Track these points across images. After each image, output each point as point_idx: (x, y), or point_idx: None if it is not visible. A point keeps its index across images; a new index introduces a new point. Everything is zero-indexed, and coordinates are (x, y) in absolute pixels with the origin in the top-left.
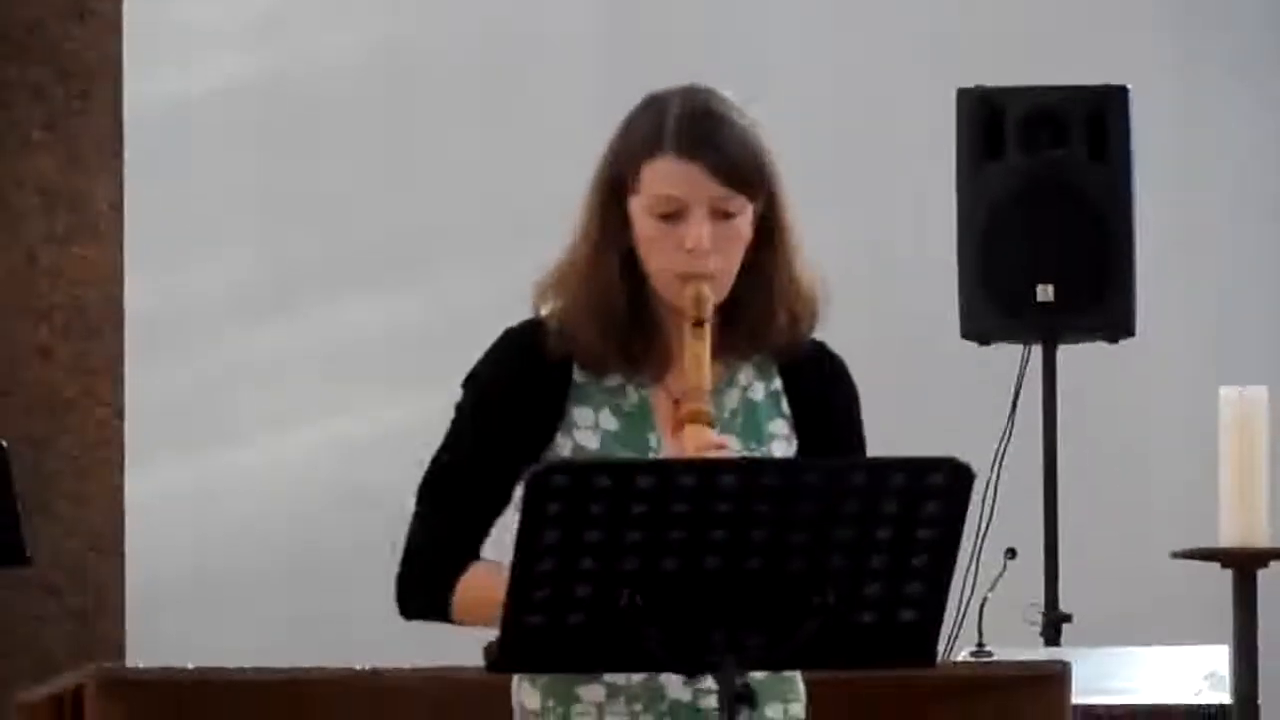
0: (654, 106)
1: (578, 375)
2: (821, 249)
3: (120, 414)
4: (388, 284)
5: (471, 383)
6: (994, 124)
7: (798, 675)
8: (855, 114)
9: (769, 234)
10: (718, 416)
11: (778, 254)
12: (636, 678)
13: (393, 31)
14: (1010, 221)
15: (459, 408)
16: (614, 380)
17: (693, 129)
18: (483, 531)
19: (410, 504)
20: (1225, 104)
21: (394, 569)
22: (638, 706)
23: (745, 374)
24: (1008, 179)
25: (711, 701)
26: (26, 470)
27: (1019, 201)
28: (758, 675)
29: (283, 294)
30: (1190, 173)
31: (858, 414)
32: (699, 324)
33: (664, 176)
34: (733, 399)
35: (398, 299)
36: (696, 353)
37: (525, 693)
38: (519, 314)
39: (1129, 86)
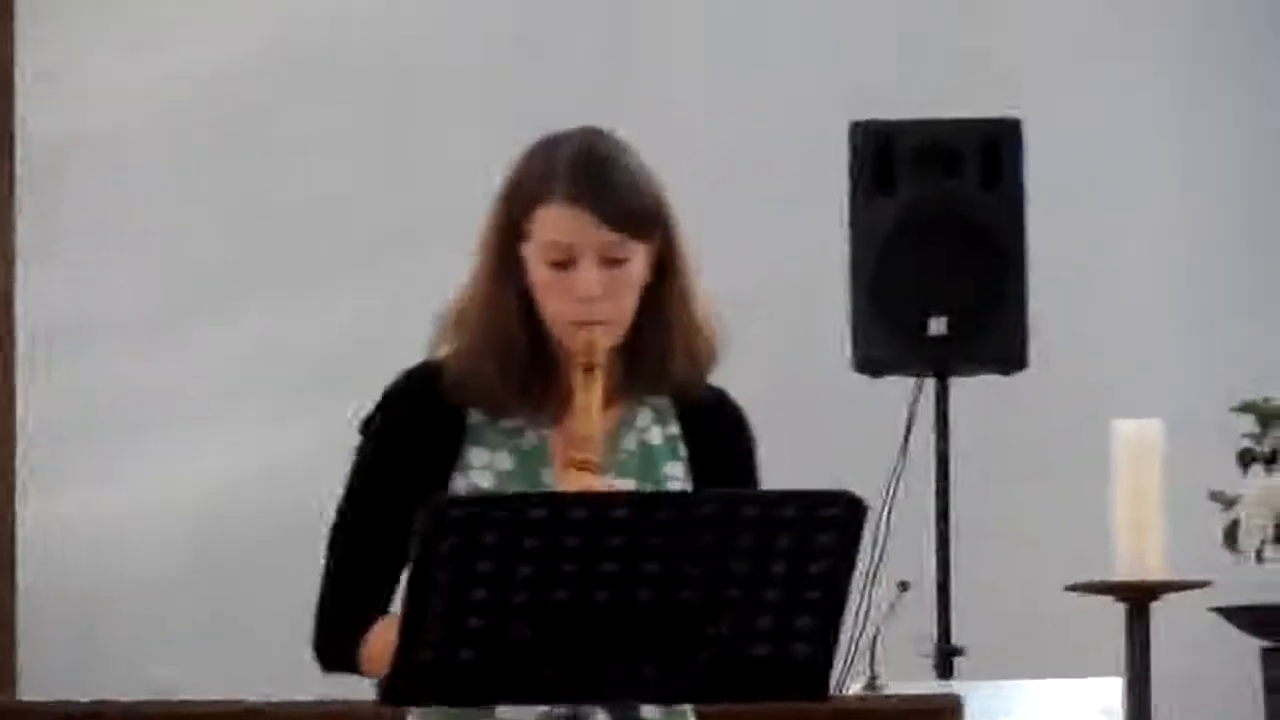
0: (544, 150)
1: (473, 417)
2: (713, 281)
3: (11, 440)
4: (298, 297)
5: (367, 428)
6: (886, 156)
7: (689, 709)
8: (747, 145)
9: (665, 273)
10: (613, 459)
11: (674, 293)
12: (532, 712)
13: (296, 32)
14: (902, 253)
15: (356, 455)
16: (512, 422)
17: (581, 175)
18: (390, 580)
19: (313, 529)
20: (1121, 132)
21: (298, 596)
22: None
23: (643, 417)
24: (899, 210)
25: None
26: None
27: (911, 233)
28: (649, 711)
29: (184, 309)
30: (1083, 203)
31: (755, 462)
32: (589, 370)
33: (553, 223)
34: (630, 441)
35: (308, 312)
36: (585, 401)
37: None
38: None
39: (1021, 119)
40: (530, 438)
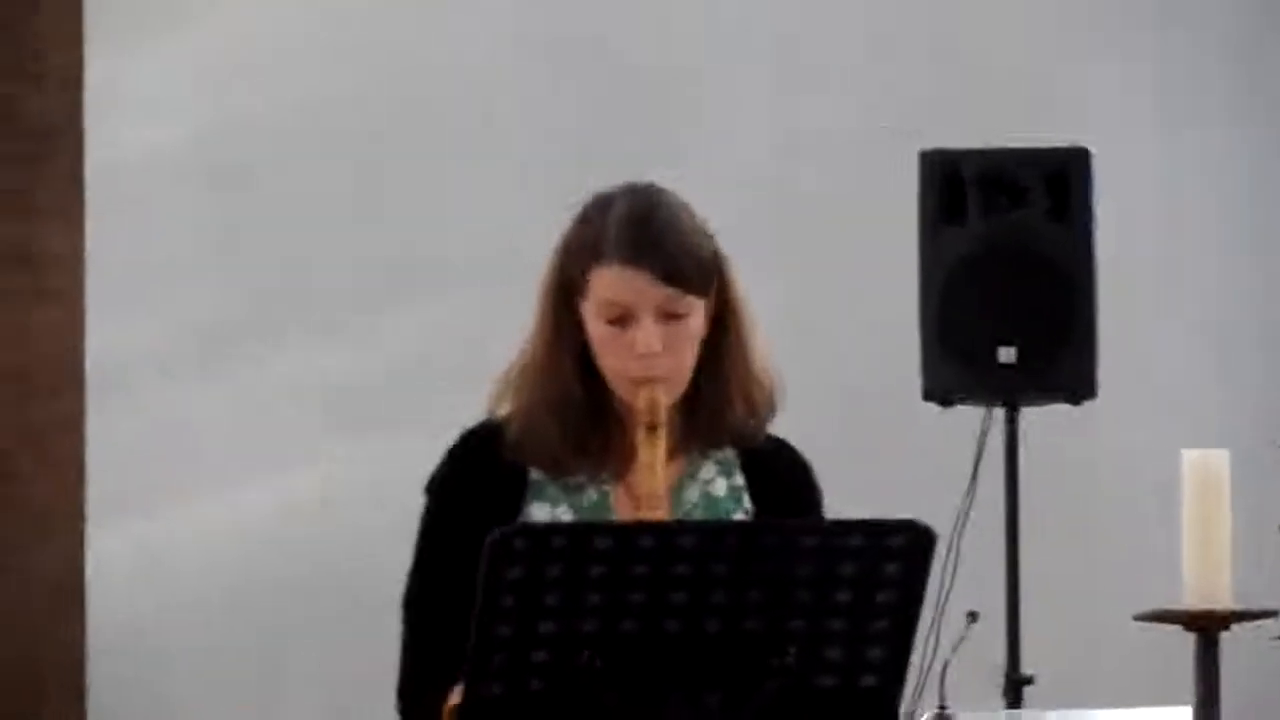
0: (597, 209)
1: (534, 474)
2: (783, 311)
3: (81, 475)
4: (353, 335)
5: (431, 490)
6: (954, 185)
7: None
8: (815, 175)
9: (722, 325)
10: (677, 512)
11: (732, 344)
12: None
13: (358, 75)
14: (971, 283)
15: (425, 513)
16: (574, 479)
17: (636, 234)
18: (467, 640)
19: (373, 559)
20: (1192, 163)
21: (358, 632)
22: None
23: (707, 470)
24: (968, 240)
25: None
26: None
27: (980, 263)
28: None
29: (244, 342)
30: (1153, 234)
31: (821, 513)
32: (652, 428)
33: (609, 283)
34: (693, 493)
35: (364, 349)
36: (650, 459)
37: None
38: (489, 358)
39: (1091, 149)
40: (591, 494)
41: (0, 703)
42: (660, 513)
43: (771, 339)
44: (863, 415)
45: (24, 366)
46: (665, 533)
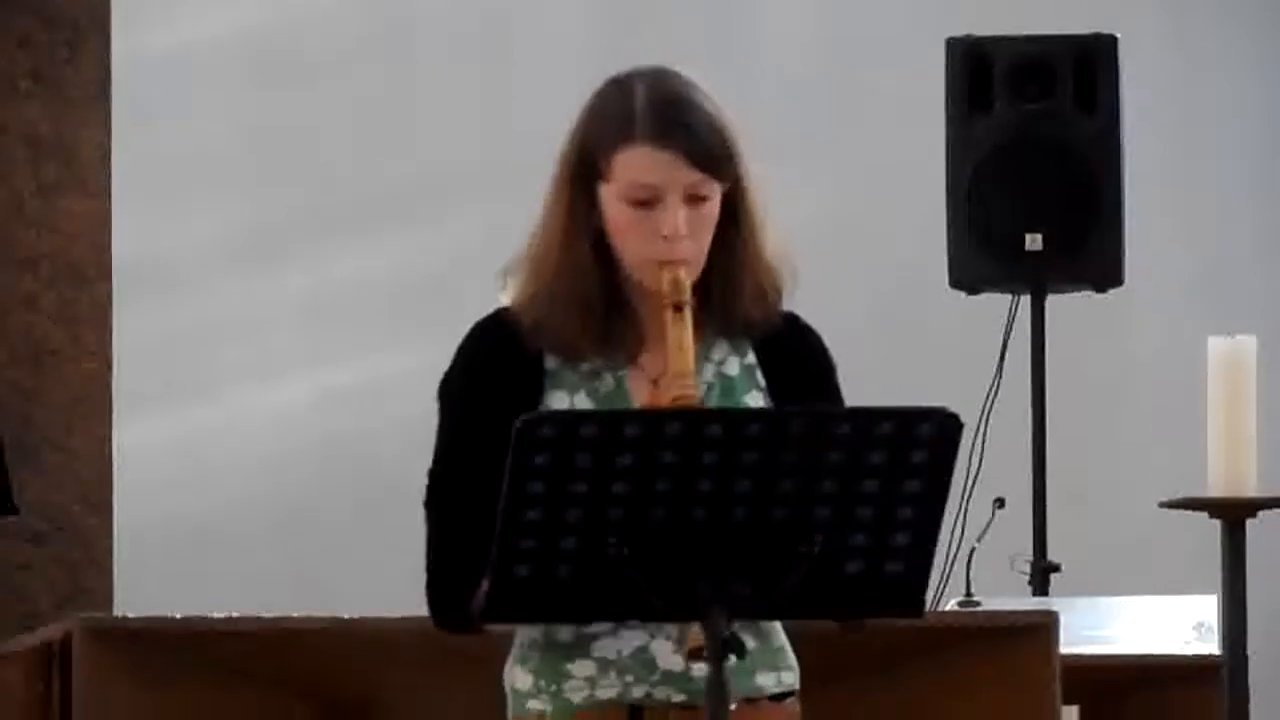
0: (619, 93)
1: (550, 362)
2: (809, 200)
3: (109, 364)
4: (380, 233)
5: (447, 385)
6: (982, 74)
7: (787, 645)
8: (843, 64)
9: (735, 212)
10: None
11: (744, 231)
12: (626, 649)
13: None
14: (999, 171)
15: (442, 412)
16: (588, 365)
17: (665, 116)
18: (493, 532)
19: (399, 452)
20: (1217, 51)
21: (385, 520)
22: (629, 678)
23: (720, 350)
24: (996, 129)
25: (703, 670)
26: (12, 421)
27: (1007, 151)
28: (750, 645)
29: (272, 243)
30: (1179, 121)
31: (833, 379)
32: (678, 308)
33: (638, 165)
34: (708, 374)
35: (390, 248)
36: (678, 337)
37: (516, 676)
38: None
39: (1118, 35)
40: (608, 380)
41: (32, 588)
42: (691, 390)
43: (799, 229)
44: (890, 303)
45: (56, 254)
46: (693, 421)
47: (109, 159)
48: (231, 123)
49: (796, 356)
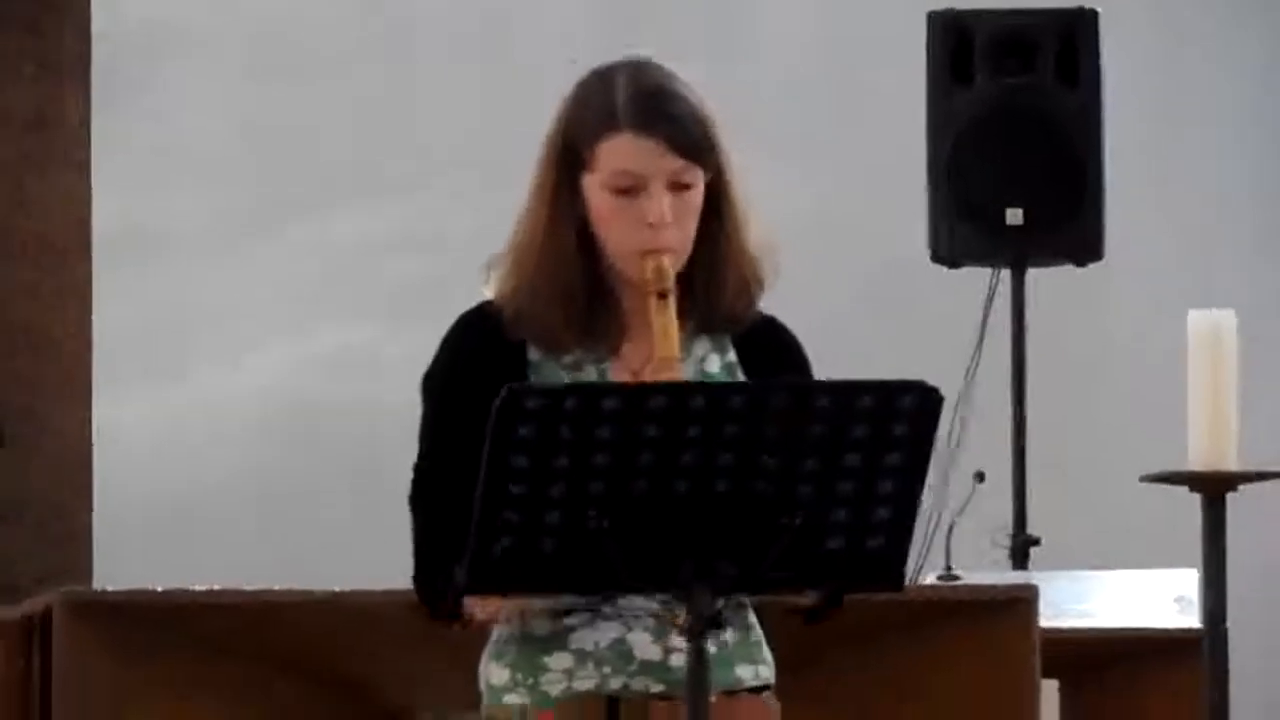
0: (601, 83)
1: (533, 354)
2: (790, 176)
3: (88, 344)
4: (358, 207)
5: (430, 379)
6: (963, 47)
7: (764, 640)
8: (824, 37)
9: (718, 204)
10: None
11: (727, 222)
12: (604, 640)
13: None
14: (979, 145)
15: (425, 406)
16: (571, 357)
17: (647, 105)
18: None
19: (381, 426)
20: (1197, 25)
21: (366, 494)
22: (607, 669)
23: (701, 346)
24: (976, 102)
25: (680, 659)
26: None
27: (988, 125)
28: (727, 638)
29: (252, 217)
30: (1159, 95)
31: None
32: (662, 296)
33: (623, 153)
34: (689, 370)
35: (368, 221)
36: (663, 324)
37: (492, 671)
38: (488, 238)
39: (1098, 9)
40: (590, 371)
41: (13, 565)
42: (677, 376)
43: (781, 207)
44: (871, 277)
45: (38, 232)
46: (676, 394)
47: (89, 135)
48: (222, 106)
49: (774, 355)
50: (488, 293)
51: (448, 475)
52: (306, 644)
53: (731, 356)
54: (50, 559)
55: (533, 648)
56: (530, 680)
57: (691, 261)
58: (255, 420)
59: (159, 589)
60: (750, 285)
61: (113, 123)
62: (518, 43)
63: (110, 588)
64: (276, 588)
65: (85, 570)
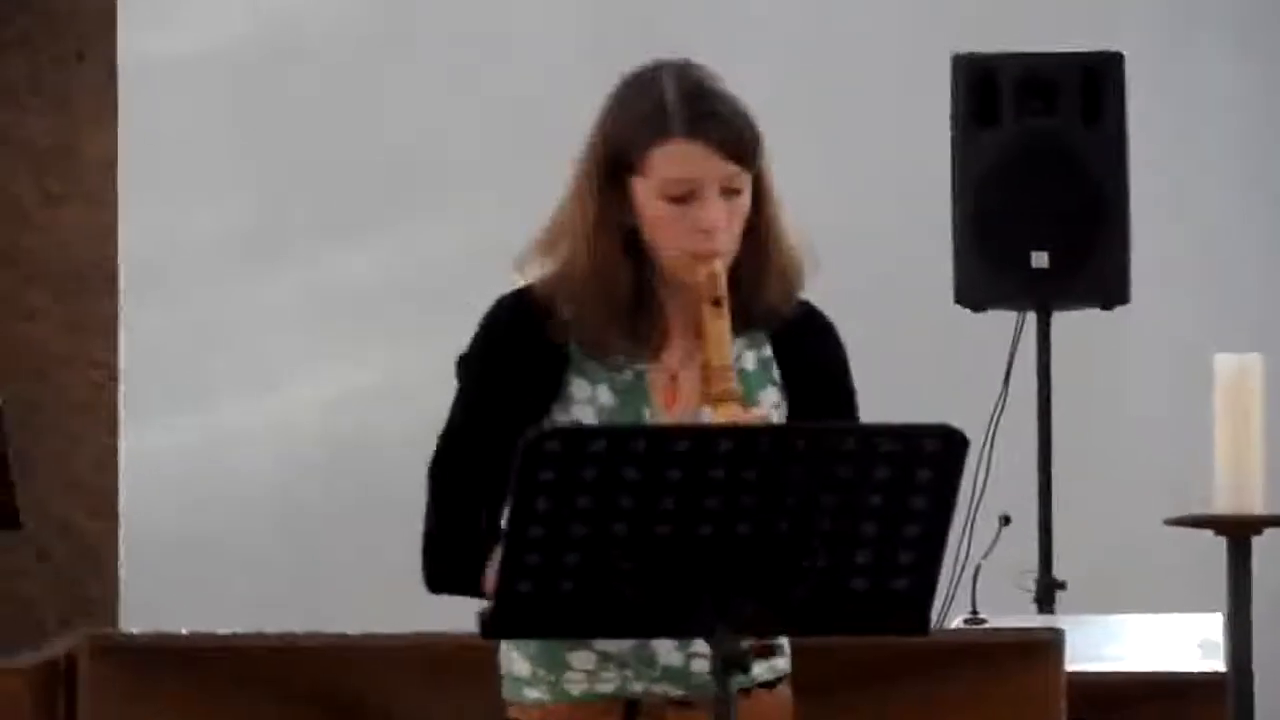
0: (647, 87)
1: (573, 350)
2: (814, 216)
3: (114, 375)
4: (387, 234)
5: (468, 361)
6: (988, 90)
7: (785, 643)
8: (849, 78)
9: (756, 198)
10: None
11: (767, 221)
12: (627, 644)
13: None
14: (1004, 187)
15: (460, 382)
16: (611, 358)
17: (697, 108)
18: (494, 507)
19: (407, 456)
20: (1220, 69)
21: (392, 528)
22: (629, 672)
23: (736, 346)
24: (1002, 145)
25: (702, 665)
26: (17, 433)
27: (1013, 167)
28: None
29: (278, 248)
30: (1184, 139)
31: (846, 370)
32: (717, 303)
33: (676, 159)
34: None
35: (397, 249)
36: (718, 331)
37: (514, 662)
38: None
39: (1123, 52)
40: (627, 374)
41: (38, 600)
42: (731, 384)
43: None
44: (896, 319)
45: (63, 267)
46: (700, 436)
47: (115, 166)
48: (247, 137)
49: (812, 345)
50: (521, 280)
51: (471, 454)
52: (331, 686)
53: (767, 352)
54: (76, 594)
55: (556, 643)
56: (552, 677)
57: (737, 261)
58: (284, 451)
59: (184, 631)
60: (790, 281)
61: (137, 154)
62: (518, 43)
63: (136, 624)
64: (300, 630)
65: (111, 605)
